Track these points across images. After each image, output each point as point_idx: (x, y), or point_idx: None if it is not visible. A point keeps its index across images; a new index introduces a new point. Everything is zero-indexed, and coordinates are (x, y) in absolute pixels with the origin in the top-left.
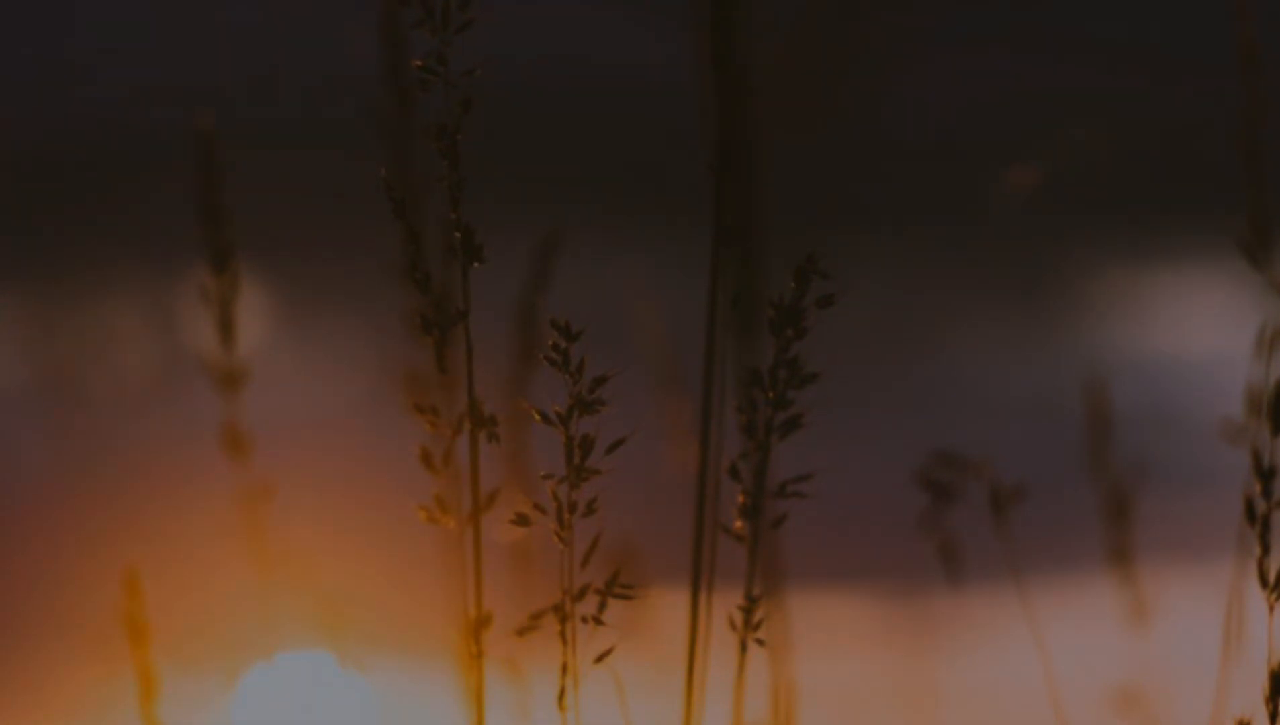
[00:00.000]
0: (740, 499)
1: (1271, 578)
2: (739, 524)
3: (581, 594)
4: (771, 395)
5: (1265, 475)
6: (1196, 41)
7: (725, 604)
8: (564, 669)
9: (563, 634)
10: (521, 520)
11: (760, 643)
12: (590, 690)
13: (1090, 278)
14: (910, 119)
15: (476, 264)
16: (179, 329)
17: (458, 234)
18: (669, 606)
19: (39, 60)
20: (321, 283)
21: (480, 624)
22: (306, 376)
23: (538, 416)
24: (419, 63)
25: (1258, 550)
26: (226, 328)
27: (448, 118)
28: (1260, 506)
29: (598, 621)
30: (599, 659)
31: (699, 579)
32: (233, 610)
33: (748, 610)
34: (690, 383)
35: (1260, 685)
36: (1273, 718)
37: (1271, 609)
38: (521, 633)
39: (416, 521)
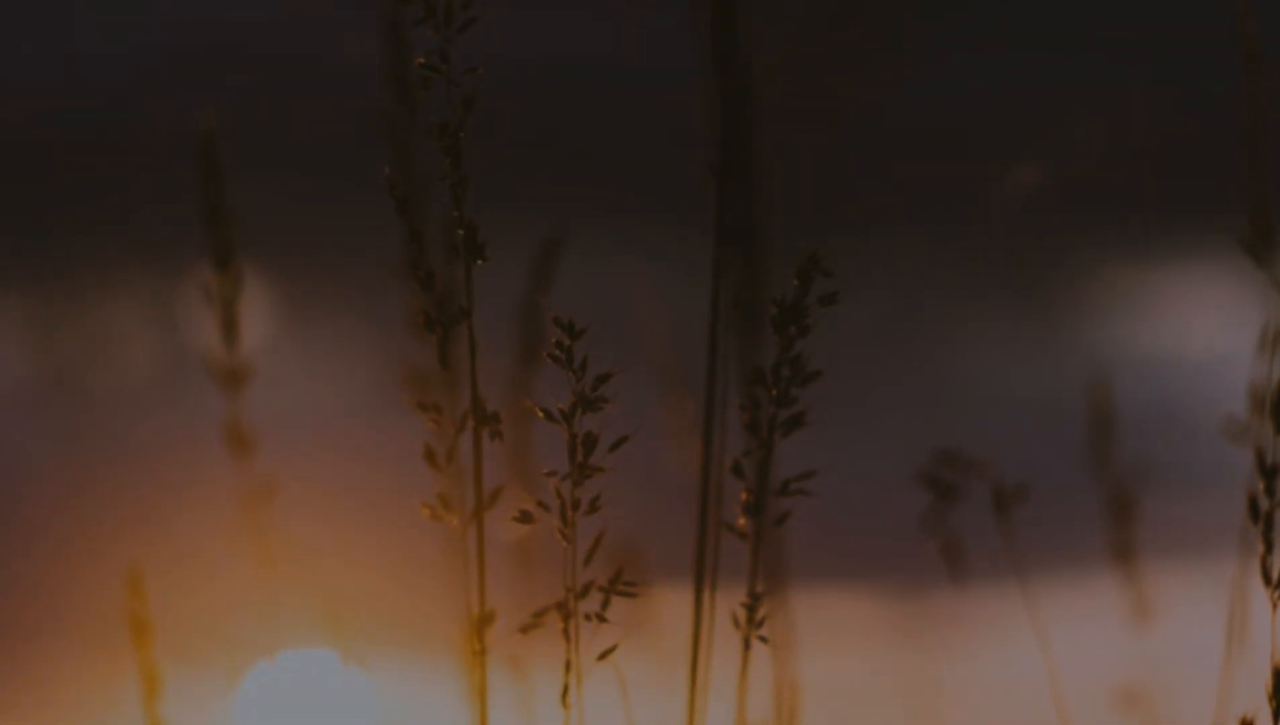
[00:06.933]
0: (743, 497)
1: (1275, 575)
2: (742, 522)
3: (585, 591)
4: (774, 393)
5: (1268, 473)
6: (1198, 40)
7: (728, 601)
8: (567, 666)
9: (566, 631)
10: (524, 518)
11: (763, 640)
12: (593, 688)
13: (1093, 276)
14: (913, 118)
15: (479, 262)
16: (182, 328)
17: (460, 232)
18: (672, 604)
19: (39, 59)
20: (324, 281)
21: (483, 621)
22: (309, 375)
23: (541, 414)
24: (421, 61)
25: (1261, 548)
26: (229, 326)
27: (450, 116)
28: (1263, 504)
29: (601, 619)
30: (602, 656)
31: (702, 576)
32: (236, 608)
33: (751, 608)
34: (693, 381)
35: (1263, 683)
36: (1276, 715)
37: (1275, 607)
38: (524, 630)
39: (420, 519)
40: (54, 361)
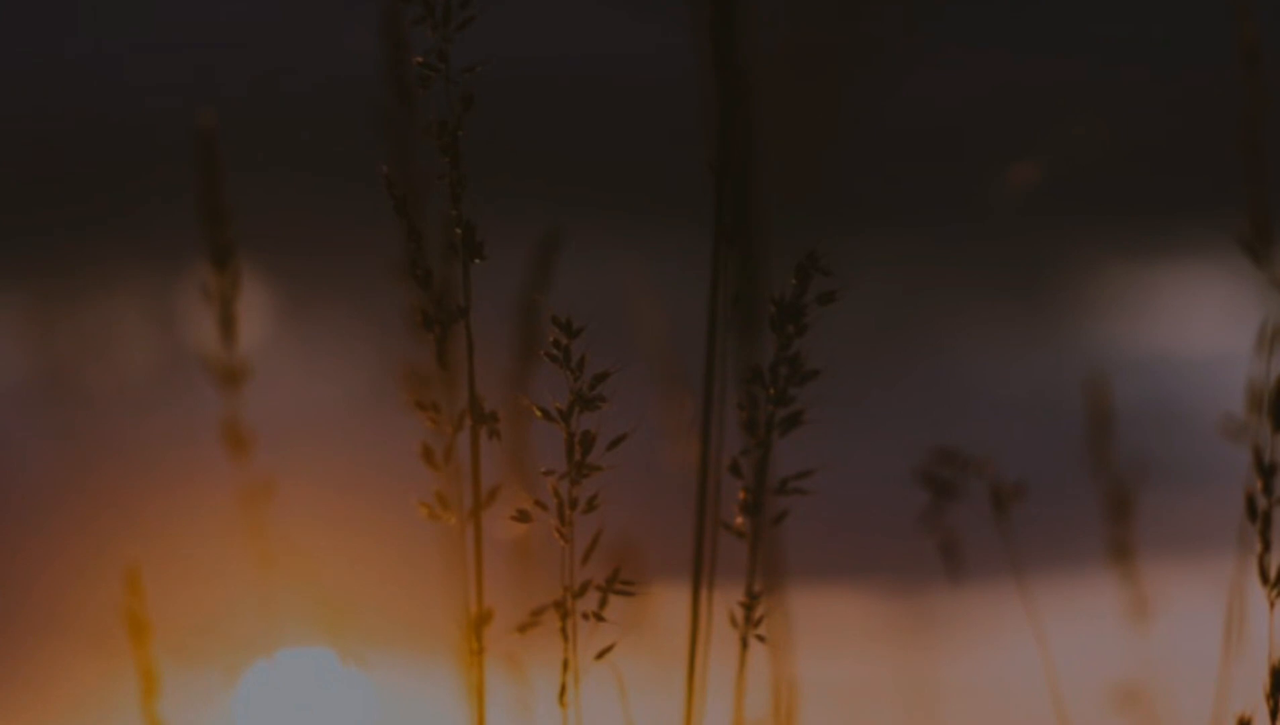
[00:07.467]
0: (741, 495)
1: (1272, 574)
2: (740, 520)
3: (582, 590)
4: (772, 392)
5: (1266, 472)
6: (1197, 38)
7: (726, 600)
8: (565, 665)
9: (564, 630)
10: (522, 517)
11: (761, 639)
12: (591, 687)
13: (1091, 275)
14: (911, 116)
15: (477, 261)
16: (180, 326)
17: (459, 231)
18: (670, 603)
19: (39, 60)
20: (322, 280)
21: (481, 620)
22: (307, 373)
23: (539, 413)
24: (420, 60)
25: (1259, 547)
26: (228, 325)
27: (449, 115)
28: (1261, 503)
29: (599, 618)
30: (600, 655)
31: (700, 575)
32: (234, 607)
33: (749, 607)
34: (691, 379)
35: (1261, 682)
36: (1274, 714)
37: (1272, 605)
38: (522, 629)
39: (417, 518)
40: (52, 360)
